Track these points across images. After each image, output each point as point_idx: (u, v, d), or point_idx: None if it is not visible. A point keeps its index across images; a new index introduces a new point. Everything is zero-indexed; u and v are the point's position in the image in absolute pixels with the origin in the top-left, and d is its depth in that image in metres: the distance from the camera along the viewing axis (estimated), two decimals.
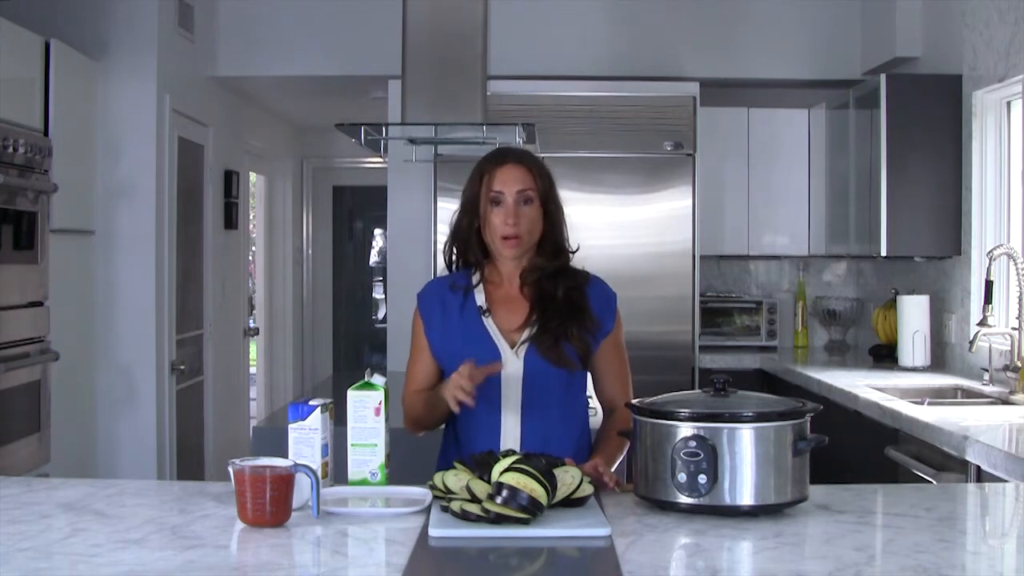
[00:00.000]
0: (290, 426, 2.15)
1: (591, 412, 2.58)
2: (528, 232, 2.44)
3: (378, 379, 2.25)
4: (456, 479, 2.03)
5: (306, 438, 2.15)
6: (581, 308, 2.45)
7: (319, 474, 2.05)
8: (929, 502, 2.14)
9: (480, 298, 2.48)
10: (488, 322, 2.45)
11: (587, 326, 2.45)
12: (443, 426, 2.55)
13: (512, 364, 2.41)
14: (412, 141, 4.17)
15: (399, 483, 2.21)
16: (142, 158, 4.85)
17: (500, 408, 2.41)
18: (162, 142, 4.96)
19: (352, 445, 2.21)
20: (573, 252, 2.53)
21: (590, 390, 2.59)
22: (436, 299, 2.52)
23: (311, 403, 2.17)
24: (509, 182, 2.43)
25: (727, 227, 5.55)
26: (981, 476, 2.83)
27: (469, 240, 2.48)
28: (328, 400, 2.21)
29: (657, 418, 2.02)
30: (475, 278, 2.51)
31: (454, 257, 2.53)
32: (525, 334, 2.43)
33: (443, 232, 5.06)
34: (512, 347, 2.42)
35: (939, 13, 4.75)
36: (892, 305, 4.86)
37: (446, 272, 2.57)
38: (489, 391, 2.38)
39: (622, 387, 2.55)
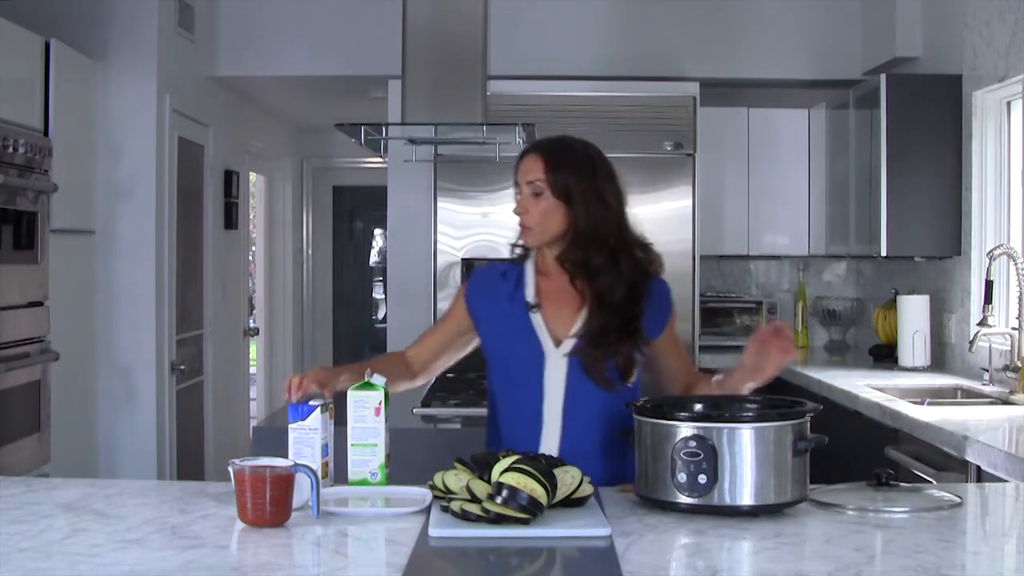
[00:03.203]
0: (290, 426, 2.15)
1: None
2: (539, 224, 2.39)
3: (378, 379, 2.24)
4: (456, 479, 2.03)
5: (306, 438, 2.15)
6: (635, 325, 2.38)
7: (319, 474, 2.06)
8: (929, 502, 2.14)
9: (530, 292, 2.44)
10: (536, 318, 2.41)
11: (636, 343, 2.38)
12: (486, 422, 2.55)
13: (556, 365, 2.38)
14: (412, 141, 4.16)
15: (399, 483, 2.21)
16: (142, 158, 4.86)
17: (542, 408, 2.39)
18: (162, 142, 4.96)
19: (352, 445, 2.21)
20: (649, 245, 2.45)
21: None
22: (483, 291, 2.50)
23: (311, 403, 2.17)
24: (523, 172, 2.42)
25: (727, 227, 5.55)
26: (981, 476, 2.83)
27: None
28: (328, 400, 2.20)
29: (657, 418, 2.02)
30: (528, 269, 2.47)
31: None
32: (574, 334, 2.38)
33: (443, 232, 5.11)
34: (557, 346, 2.39)
35: (939, 13, 4.75)
36: (892, 305, 4.86)
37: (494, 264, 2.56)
38: (532, 390, 2.38)
39: (686, 366, 2.58)
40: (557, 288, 2.44)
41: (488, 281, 2.51)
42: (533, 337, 2.40)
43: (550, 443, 2.37)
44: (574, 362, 2.38)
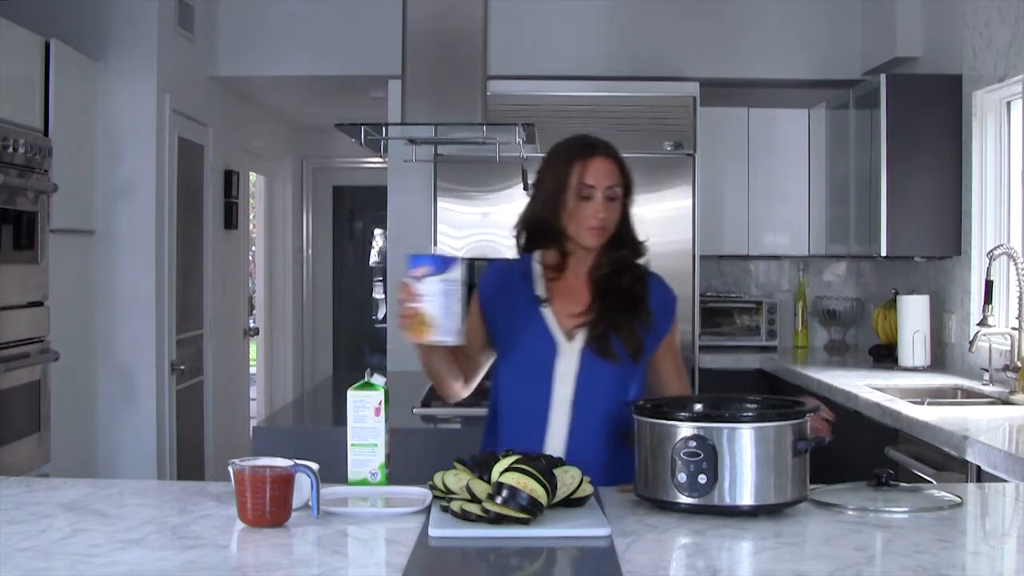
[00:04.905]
0: (433, 279, 2.11)
1: None
2: (610, 227, 2.44)
3: (378, 379, 2.24)
4: (456, 479, 2.03)
5: (453, 291, 2.13)
6: (640, 302, 2.45)
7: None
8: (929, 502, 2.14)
9: (540, 287, 2.47)
10: (546, 311, 2.44)
11: (643, 321, 2.44)
12: (484, 424, 2.54)
13: (567, 355, 2.40)
14: (412, 141, 4.16)
15: (399, 483, 2.21)
16: (142, 158, 4.86)
17: (551, 400, 2.39)
18: (162, 142, 4.96)
19: (352, 445, 2.21)
20: (644, 244, 2.53)
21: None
22: (497, 286, 2.51)
23: (436, 254, 2.13)
24: (601, 177, 2.43)
25: (727, 227, 5.55)
26: (981, 476, 2.83)
27: (545, 226, 2.47)
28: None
29: (657, 418, 2.02)
30: (536, 268, 2.50)
31: (523, 241, 2.51)
32: (584, 323, 2.41)
33: (443, 232, 5.10)
34: (569, 339, 2.41)
35: (939, 13, 4.75)
36: (892, 305, 4.86)
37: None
38: (542, 383, 2.38)
39: (682, 385, 2.55)
40: (568, 285, 2.47)
41: (499, 275, 2.54)
42: (544, 330, 2.42)
43: (556, 438, 2.37)
44: (586, 353, 2.40)
